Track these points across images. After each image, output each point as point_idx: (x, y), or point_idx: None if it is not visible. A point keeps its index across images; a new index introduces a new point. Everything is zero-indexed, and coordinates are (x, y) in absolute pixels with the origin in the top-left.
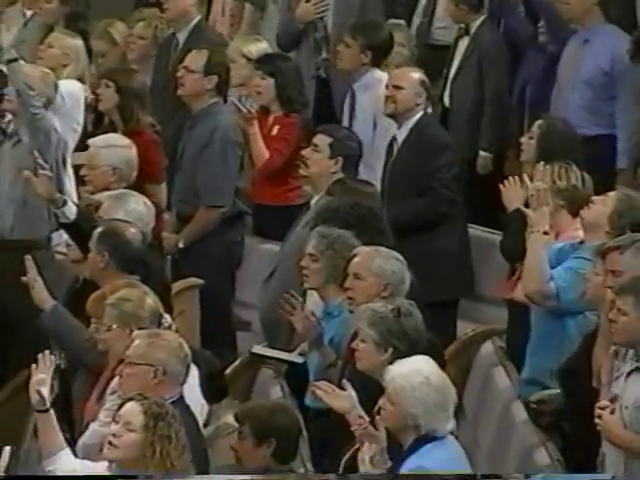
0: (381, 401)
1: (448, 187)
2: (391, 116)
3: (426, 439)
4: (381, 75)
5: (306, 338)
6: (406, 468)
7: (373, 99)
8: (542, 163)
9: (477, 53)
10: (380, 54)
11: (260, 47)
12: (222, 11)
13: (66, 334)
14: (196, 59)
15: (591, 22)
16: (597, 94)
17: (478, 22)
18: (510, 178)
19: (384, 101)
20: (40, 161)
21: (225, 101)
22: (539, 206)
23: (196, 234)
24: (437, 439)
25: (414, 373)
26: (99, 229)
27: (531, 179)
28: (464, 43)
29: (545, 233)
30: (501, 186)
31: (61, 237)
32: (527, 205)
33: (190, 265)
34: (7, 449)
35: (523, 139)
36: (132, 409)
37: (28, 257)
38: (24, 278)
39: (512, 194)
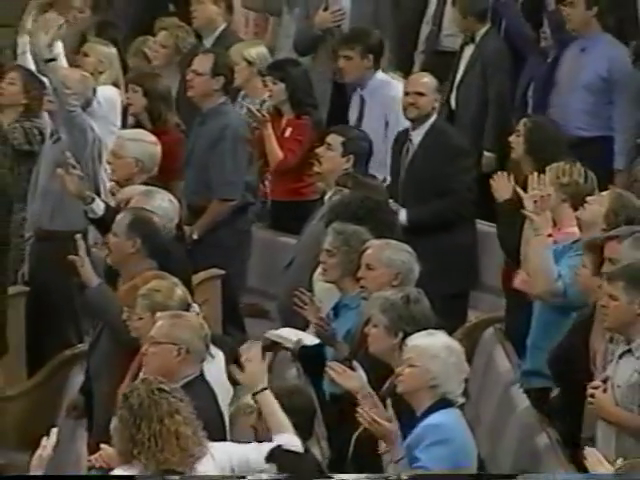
0: (400, 369)
1: (470, 189)
2: (411, 119)
3: (441, 404)
4: (383, 76)
5: (319, 337)
6: (422, 426)
7: (382, 100)
8: (536, 174)
9: (481, 60)
10: (378, 56)
11: (260, 50)
12: (246, 22)
13: (109, 310)
14: (203, 62)
15: (589, 32)
16: (597, 98)
17: (483, 31)
18: (499, 172)
19: (404, 107)
20: (71, 161)
21: (233, 102)
22: (542, 210)
23: (208, 225)
24: (451, 406)
25: (435, 339)
26: (128, 216)
27: (526, 178)
28: (469, 50)
29: (549, 235)
30: (490, 180)
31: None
32: (520, 205)
33: (202, 255)
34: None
35: (511, 138)
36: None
37: (78, 236)
38: (72, 257)
39: (501, 187)
